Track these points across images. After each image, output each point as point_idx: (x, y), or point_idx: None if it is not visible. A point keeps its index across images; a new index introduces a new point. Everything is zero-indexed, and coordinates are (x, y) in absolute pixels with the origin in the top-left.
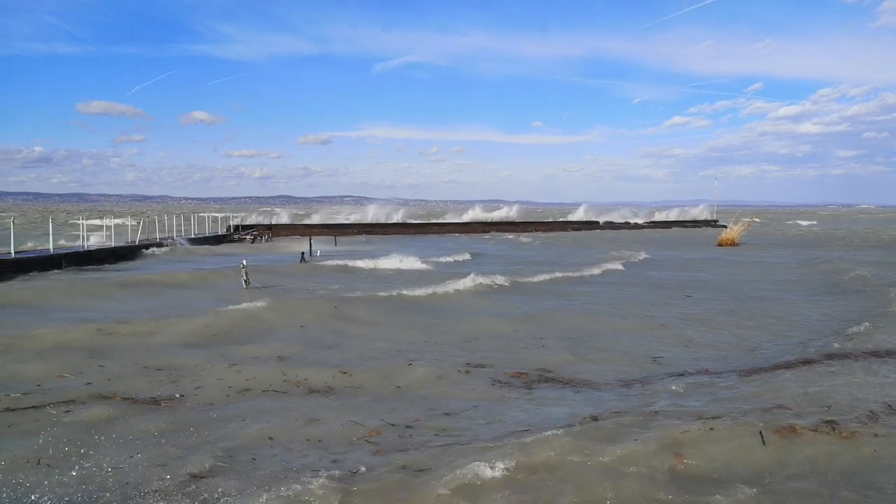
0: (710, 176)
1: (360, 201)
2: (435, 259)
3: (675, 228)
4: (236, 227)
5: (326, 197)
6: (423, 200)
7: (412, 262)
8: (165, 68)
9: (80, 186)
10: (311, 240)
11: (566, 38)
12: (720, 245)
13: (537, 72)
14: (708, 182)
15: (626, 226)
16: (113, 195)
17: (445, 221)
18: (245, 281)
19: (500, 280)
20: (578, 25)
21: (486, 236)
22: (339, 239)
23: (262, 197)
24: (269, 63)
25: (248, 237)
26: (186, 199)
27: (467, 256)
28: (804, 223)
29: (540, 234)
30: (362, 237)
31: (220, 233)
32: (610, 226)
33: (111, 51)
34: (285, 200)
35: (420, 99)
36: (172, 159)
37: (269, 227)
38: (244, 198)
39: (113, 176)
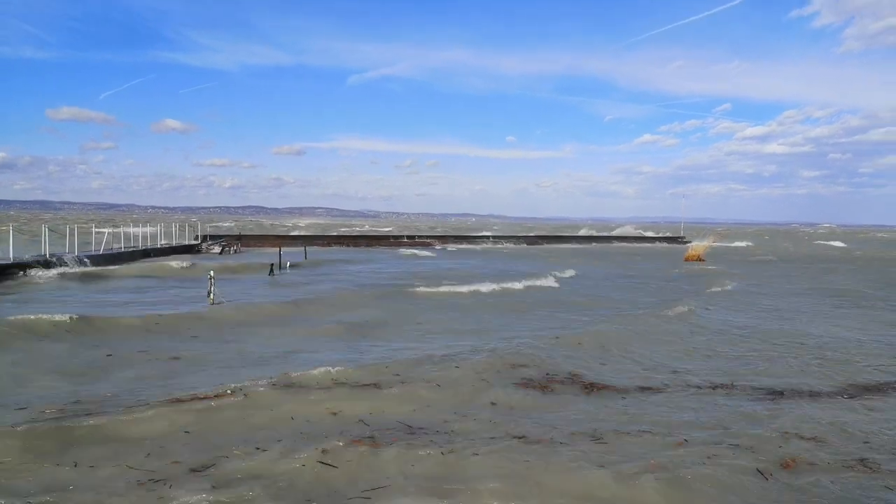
0: (679, 194)
1: (330, 212)
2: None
3: (638, 244)
4: (204, 237)
5: (297, 208)
6: (396, 213)
7: None
8: (137, 75)
9: (45, 194)
10: (280, 251)
11: (542, 55)
12: (687, 260)
13: (513, 88)
14: (676, 199)
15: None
16: (77, 203)
17: (413, 234)
18: (210, 293)
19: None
20: (554, 43)
21: (478, 247)
22: (308, 249)
23: (233, 207)
24: (243, 72)
25: (215, 248)
26: (154, 207)
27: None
28: (741, 244)
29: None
30: (334, 248)
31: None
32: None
33: (81, 56)
34: (256, 211)
35: (394, 112)
36: (141, 167)
37: (239, 237)
38: (214, 207)
39: (79, 183)
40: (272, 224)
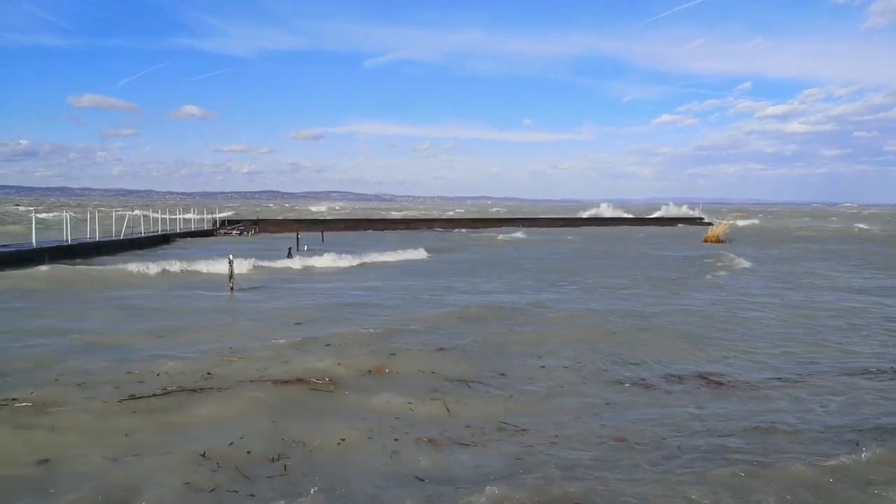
0: (697, 174)
1: (345, 197)
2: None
3: (654, 226)
4: (223, 222)
5: (313, 192)
6: (412, 196)
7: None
8: (154, 62)
9: (65, 180)
10: (298, 235)
11: (558, 36)
12: (706, 242)
13: (528, 70)
14: (694, 180)
15: (613, 222)
16: (97, 189)
17: (433, 217)
18: (230, 279)
19: None
20: (570, 24)
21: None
22: (325, 234)
23: (249, 192)
24: (260, 58)
25: (234, 231)
26: (171, 193)
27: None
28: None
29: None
30: (351, 233)
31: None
32: (598, 222)
33: (99, 43)
34: (272, 195)
35: (410, 95)
36: (160, 154)
37: (256, 221)
38: (231, 192)
39: (99, 170)
40: (294, 207)
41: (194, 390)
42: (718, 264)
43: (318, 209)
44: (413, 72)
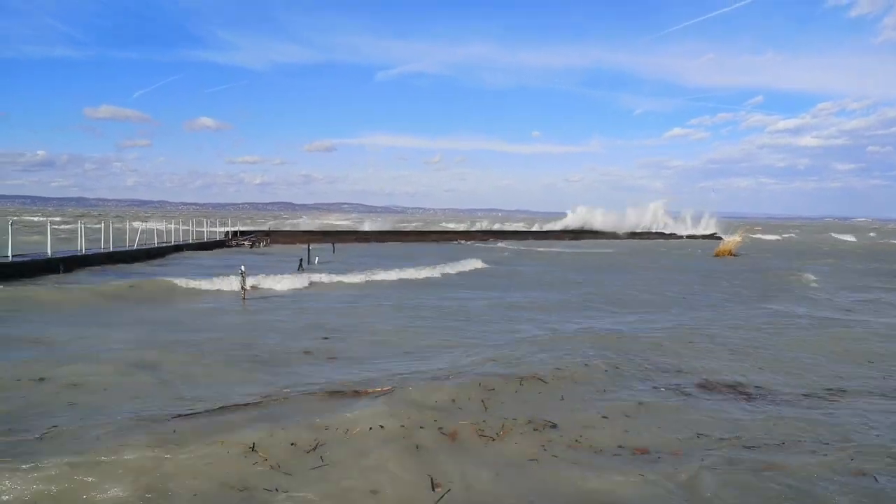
0: (708, 188)
1: (356, 208)
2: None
3: (663, 240)
4: (234, 233)
5: (325, 204)
6: (422, 209)
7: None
8: (168, 74)
9: (81, 191)
10: (309, 247)
11: (567, 49)
12: (717, 256)
13: (538, 82)
14: (705, 194)
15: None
16: (112, 199)
17: (445, 229)
18: (242, 289)
19: None
20: (580, 37)
21: (501, 244)
22: (336, 245)
23: (261, 203)
24: (273, 70)
25: (246, 243)
26: (185, 204)
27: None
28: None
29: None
30: (361, 244)
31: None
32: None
33: (113, 55)
34: (284, 206)
35: (421, 108)
36: (173, 165)
37: (268, 233)
38: (243, 204)
39: (115, 181)
40: (317, 217)
41: None
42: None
43: (344, 221)
44: (424, 84)
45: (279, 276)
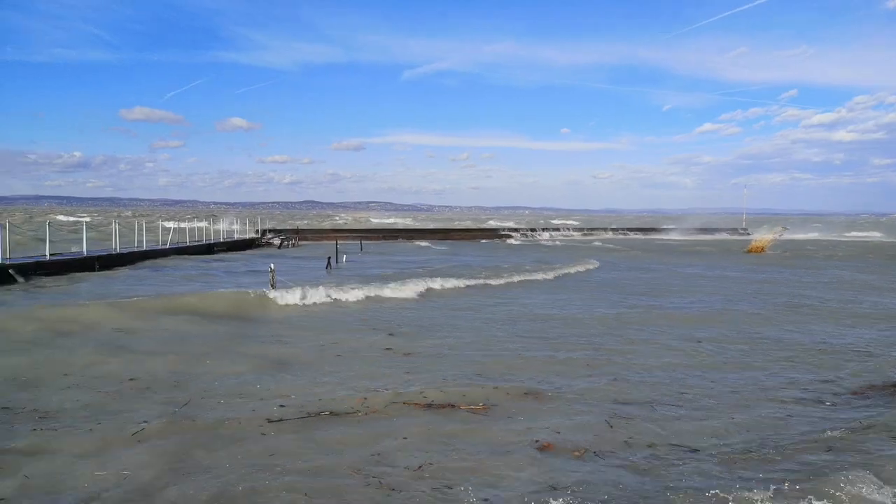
0: (741, 184)
1: (384, 207)
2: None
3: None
4: (264, 231)
5: (352, 202)
6: (448, 206)
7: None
8: (199, 75)
9: (115, 191)
10: (337, 245)
11: (594, 45)
12: (749, 252)
13: (565, 79)
14: (737, 190)
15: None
16: (145, 199)
17: (469, 227)
18: (271, 286)
19: None
20: (606, 33)
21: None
22: (364, 244)
23: (290, 202)
24: (300, 70)
25: (276, 241)
26: (215, 203)
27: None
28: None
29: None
30: (389, 242)
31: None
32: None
33: (145, 58)
34: (311, 205)
35: (448, 106)
36: (204, 165)
37: (297, 231)
38: (272, 203)
39: (147, 181)
40: (358, 216)
41: None
42: None
43: (384, 221)
44: (449, 82)
45: (394, 284)
